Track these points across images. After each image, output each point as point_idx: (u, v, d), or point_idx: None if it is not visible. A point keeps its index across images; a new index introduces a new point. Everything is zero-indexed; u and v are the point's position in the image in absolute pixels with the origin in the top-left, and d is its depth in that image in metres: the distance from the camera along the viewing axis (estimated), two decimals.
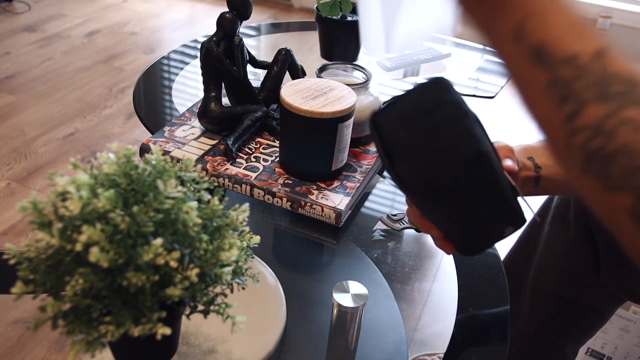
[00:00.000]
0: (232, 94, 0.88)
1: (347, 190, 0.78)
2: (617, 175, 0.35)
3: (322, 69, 0.87)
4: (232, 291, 0.55)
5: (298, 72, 0.91)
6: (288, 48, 0.89)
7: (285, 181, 0.78)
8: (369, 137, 0.88)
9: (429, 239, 0.80)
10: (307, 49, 1.36)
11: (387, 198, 0.88)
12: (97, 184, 0.46)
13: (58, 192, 0.45)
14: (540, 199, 0.96)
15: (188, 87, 1.15)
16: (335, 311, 0.66)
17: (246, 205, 0.54)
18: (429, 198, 0.54)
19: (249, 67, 0.90)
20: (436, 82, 0.51)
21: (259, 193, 0.77)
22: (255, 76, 1.15)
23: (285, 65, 0.89)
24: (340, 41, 1.21)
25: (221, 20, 0.83)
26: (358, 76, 0.88)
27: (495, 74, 1.35)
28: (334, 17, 1.16)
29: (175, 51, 1.30)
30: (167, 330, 0.45)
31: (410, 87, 0.51)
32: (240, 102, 0.88)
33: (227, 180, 0.78)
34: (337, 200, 0.76)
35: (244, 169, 0.80)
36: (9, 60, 2.33)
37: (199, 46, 1.00)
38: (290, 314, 0.68)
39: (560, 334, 0.90)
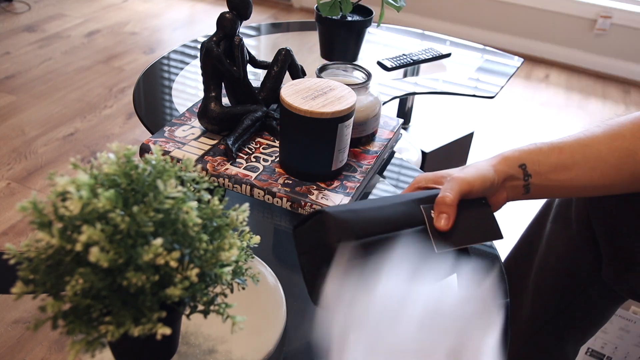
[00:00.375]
0: (232, 94, 0.88)
1: (347, 190, 0.78)
2: None
3: (322, 69, 0.87)
4: (232, 291, 0.55)
5: (298, 72, 0.91)
6: (288, 48, 0.89)
7: (285, 181, 0.78)
8: (369, 137, 0.88)
9: None
10: (307, 49, 1.36)
11: None
12: (97, 184, 0.46)
13: (58, 192, 0.45)
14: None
15: (188, 87, 1.15)
16: None
17: (246, 205, 0.54)
18: None
19: (249, 67, 0.90)
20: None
21: (259, 193, 0.77)
22: (255, 76, 1.15)
23: (285, 65, 0.89)
24: (340, 41, 1.21)
25: (221, 20, 0.83)
26: (358, 76, 0.88)
27: (495, 74, 1.35)
28: (334, 17, 1.16)
29: (175, 51, 1.30)
30: (167, 330, 0.45)
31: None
32: (240, 102, 0.88)
33: (227, 180, 0.78)
34: (337, 200, 0.76)
35: (244, 169, 0.80)
36: (9, 60, 2.33)
37: (199, 46, 1.00)
38: (290, 314, 0.68)
39: (561, 332, 0.90)
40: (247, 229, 0.56)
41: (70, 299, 0.44)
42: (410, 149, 1.55)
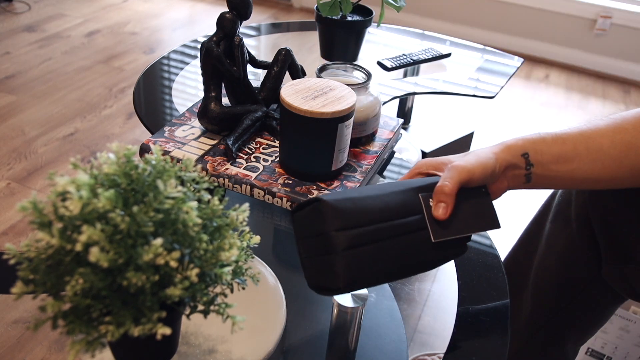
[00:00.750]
0: (232, 94, 0.88)
1: None
2: None
3: (322, 69, 0.87)
4: (232, 291, 0.55)
5: (298, 72, 0.91)
6: (288, 48, 0.89)
7: (285, 181, 0.78)
8: (369, 137, 0.88)
9: None
10: (307, 49, 1.36)
11: None
12: (97, 184, 0.46)
13: (58, 192, 0.45)
14: (540, 197, 0.96)
15: (188, 87, 1.15)
16: (335, 311, 0.66)
17: (246, 205, 0.54)
18: None
19: (249, 67, 0.90)
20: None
21: (259, 193, 0.77)
22: (255, 76, 1.15)
23: (285, 65, 0.89)
24: (340, 41, 1.21)
25: (221, 20, 0.83)
26: (358, 76, 0.88)
27: (495, 74, 1.35)
28: (334, 17, 1.16)
29: (175, 51, 1.30)
30: (167, 330, 0.45)
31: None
32: (240, 102, 0.88)
33: (227, 180, 0.78)
34: None
35: (244, 169, 0.80)
36: (9, 60, 2.33)
37: (199, 46, 1.00)
38: (290, 314, 0.68)
39: (561, 332, 0.90)
40: (247, 229, 0.56)
41: (70, 299, 0.44)
42: (410, 149, 1.55)
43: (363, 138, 0.87)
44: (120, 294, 0.45)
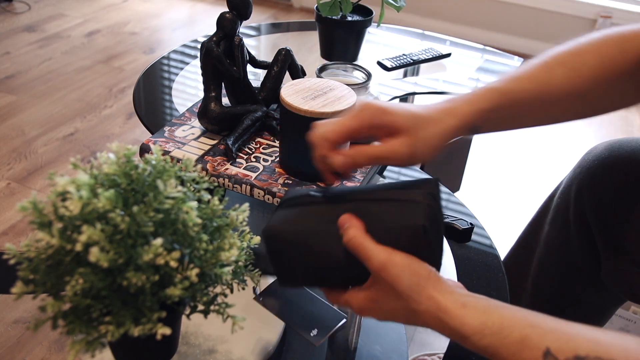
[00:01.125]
0: (232, 94, 0.88)
1: None
2: None
3: (322, 69, 0.87)
4: (231, 291, 0.55)
5: (298, 72, 0.91)
6: (288, 48, 0.89)
7: (285, 181, 0.78)
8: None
9: None
10: (307, 49, 1.36)
11: None
12: (97, 184, 0.46)
13: (58, 192, 0.45)
14: (540, 197, 0.96)
15: (188, 87, 1.15)
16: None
17: (246, 205, 0.54)
18: None
19: (249, 67, 0.90)
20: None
21: (259, 193, 0.77)
22: (255, 76, 1.15)
23: (285, 65, 0.89)
24: (340, 41, 1.21)
25: (221, 20, 0.83)
26: (358, 76, 0.88)
27: (495, 74, 1.35)
28: (334, 17, 1.16)
29: (175, 51, 1.30)
30: (167, 330, 0.45)
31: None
32: (240, 102, 0.88)
33: (227, 180, 0.78)
34: None
35: (244, 169, 0.80)
36: (9, 60, 2.33)
37: (199, 46, 1.00)
38: None
39: None
40: (247, 229, 0.56)
41: (70, 299, 0.44)
42: None
43: None
44: (120, 294, 0.45)
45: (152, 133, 0.89)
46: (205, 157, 0.81)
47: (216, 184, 0.78)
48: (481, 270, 0.77)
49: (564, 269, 0.87)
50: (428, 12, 2.90)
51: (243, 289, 0.57)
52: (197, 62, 1.24)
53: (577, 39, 0.61)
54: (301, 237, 0.54)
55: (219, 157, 0.81)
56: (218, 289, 0.52)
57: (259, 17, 2.98)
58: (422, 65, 1.34)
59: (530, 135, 2.13)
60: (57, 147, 1.83)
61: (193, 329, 0.64)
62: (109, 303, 0.45)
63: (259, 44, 1.42)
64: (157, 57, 1.27)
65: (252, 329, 0.64)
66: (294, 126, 0.75)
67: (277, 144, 0.86)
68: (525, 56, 2.96)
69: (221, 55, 0.82)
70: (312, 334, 0.66)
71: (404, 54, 1.33)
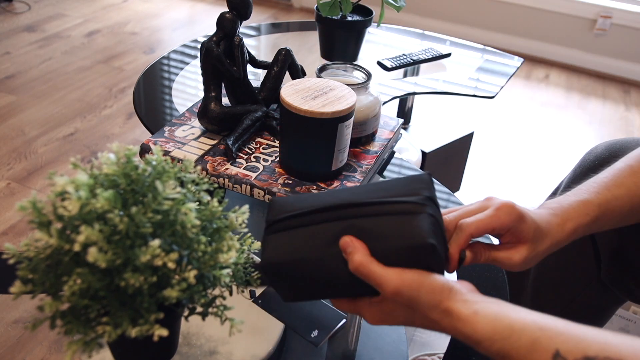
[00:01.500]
0: (232, 94, 0.88)
1: None
2: None
3: (322, 69, 0.87)
4: (231, 294, 0.55)
5: (298, 72, 0.91)
6: (288, 48, 0.89)
7: (285, 181, 0.78)
8: (369, 137, 0.88)
9: None
10: (307, 49, 1.36)
11: None
12: (97, 184, 0.46)
13: (57, 192, 0.45)
14: (540, 197, 0.96)
15: (188, 87, 1.15)
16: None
17: (246, 207, 0.54)
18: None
19: (249, 67, 0.90)
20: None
21: (259, 193, 0.77)
22: (255, 76, 1.15)
23: (285, 65, 0.89)
24: (340, 41, 1.21)
25: (221, 20, 0.83)
26: (358, 76, 0.88)
27: (495, 74, 1.35)
28: (334, 17, 1.16)
29: (175, 51, 1.30)
30: (164, 332, 0.45)
31: None
32: (240, 102, 0.88)
33: (227, 180, 0.78)
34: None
35: (244, 169, 0.80)
36: (9, 60, 2.33)
37: (199, 46, 1.00)
38: None
39: None
40: (248, 233, 0.56)
41: (68, 298, 0.44)
42: (410, 149, 1.55)
43: (363, 138, 0.87)
44: (118, 295, 0.45)
45: (152, 133, 0.89)
46: (205, 157, 0.81)
47: (216, 185, 0.78)
48: (481, 270, 0.77)
49: (565, 269, 0.87)
50: (428, 12, 2.90)
51: (242, 291, 0.57)
52: (197, 62, 1.24)
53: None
54: (302, 265, 0.52)
55: (219, 157, 0.81)
56: (217, 291, 0.52)
57: (259, 17, 2.98)
58: (422, 65, 1.34)
59: (530, 135, 2.13)
60: (57, 147, 1.83)
61: (195, 330, 0.64)
62: (107, 303, 0.45)
63: (259, 44, 1.42)
64: (157, 57, 1.27)
65: (252, 329, 0.64)
66: (294, 126, 0.75)
67: (277, 144, 0.86)
68: (525, 56, 2.96)
69: (221, 55, 0.82)
70: (312, 335, 0.66)
71: (404, 54, 1.33)
